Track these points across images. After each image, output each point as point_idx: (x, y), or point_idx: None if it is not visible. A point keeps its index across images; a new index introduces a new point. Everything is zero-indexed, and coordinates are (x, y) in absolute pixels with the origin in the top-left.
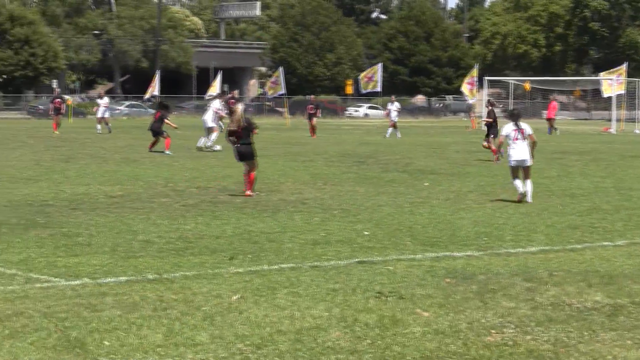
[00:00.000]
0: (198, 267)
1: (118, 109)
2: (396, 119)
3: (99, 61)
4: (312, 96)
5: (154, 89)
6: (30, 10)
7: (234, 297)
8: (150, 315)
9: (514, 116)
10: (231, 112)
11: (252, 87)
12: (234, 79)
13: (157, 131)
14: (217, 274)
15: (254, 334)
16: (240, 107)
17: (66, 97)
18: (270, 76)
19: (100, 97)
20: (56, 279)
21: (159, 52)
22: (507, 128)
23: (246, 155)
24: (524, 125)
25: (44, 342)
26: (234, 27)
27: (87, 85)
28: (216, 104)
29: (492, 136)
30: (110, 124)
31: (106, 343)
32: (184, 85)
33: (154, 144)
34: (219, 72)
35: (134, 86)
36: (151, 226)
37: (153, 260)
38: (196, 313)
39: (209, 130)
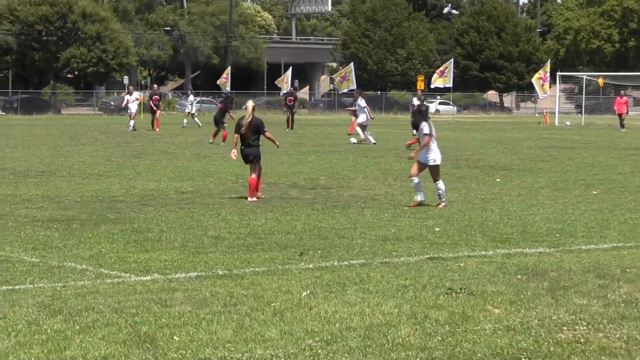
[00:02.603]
0: (268, 262)
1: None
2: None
3: (169, 57)
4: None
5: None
6: (102, 7)
7: (304, 293)
8: (220, 310)
9: (424, 113)
10: (289, 108)
11: (323, 83)
12: (304, 74)
13: (217, 121)
14: (287, 269)
15: (323, 330)
16: (250, 104)
17: (138, 93)
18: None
19: (130, 93)
20: (127, 275)
21: (230, 48)
22: (429, 127)
23: (252, 157)
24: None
25: (114, 337)
26: (305, 23)
27: (158, 81)
28: None
29: None
30: (133, 122)
31: (176, 338)
32: (254, 81)
33: (215, 134)
34: (289, 69)
35: (205, 82)
36: (221, 222)
37: (223, 256)
38: (266, 309)
39: None
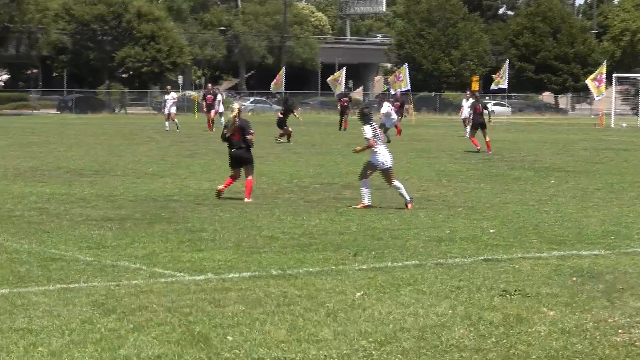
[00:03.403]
0: (322, 263)
1: (243, 105)
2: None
3: (224, 57)
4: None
5: (280, 84)
6: (157, 7)
7: (358, 294)
8: (274, 311)
9: (367, 116)
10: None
11: (377, 84)
12: (359, 75)
13: (280, 127)
14: (341, 270)
15: (377, 331)
16: (236, 105)
17: (192, 92)
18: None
19: (167, 92)
20: (180, 274)
21: (284, 48)
22: (371, 130)
23: (242, 160)
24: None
25: (167, 337)
26: (359, 23)
27: (213, 81)
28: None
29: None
30: (177, 120)
31: (229, 338)
32: (308, 81)
33: (282, 135)
34: (342, 69)
35: (259, 82)
36: (275, 222)
37: (277, 256)
38: (319, 309)
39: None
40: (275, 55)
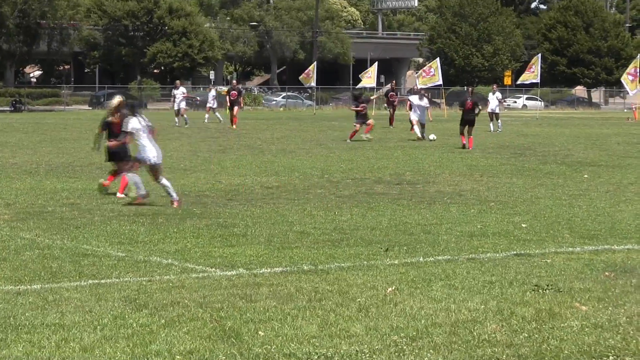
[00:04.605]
0: (353, 258)
1: (274, 100)
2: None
3: (255, 52)
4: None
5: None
6: (187, 2)
7: (389, 289)
8: (305, 306)
9: (134, 108)
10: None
11: (410, 78)
12: (390, 70)
13: (363, 121)
14: (373, 265)
15: (408, 326)
16: (117, 99)
17: (222, 88)
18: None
19: (176, 87)
20: (212, 269)
21: (316, 43)
22: (135, 123)
23: (117, 154)
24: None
25: (199, 332)
26: (391, 18)
27: (244, 76)
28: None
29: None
30: (187, 116)
31: (261, 333)
32: (341, 76)
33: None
34: (374, 63)
35: (291, 77)
36: (307, 217)
37: (308, 251)
38: (351, 304)
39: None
40: (307, 51)
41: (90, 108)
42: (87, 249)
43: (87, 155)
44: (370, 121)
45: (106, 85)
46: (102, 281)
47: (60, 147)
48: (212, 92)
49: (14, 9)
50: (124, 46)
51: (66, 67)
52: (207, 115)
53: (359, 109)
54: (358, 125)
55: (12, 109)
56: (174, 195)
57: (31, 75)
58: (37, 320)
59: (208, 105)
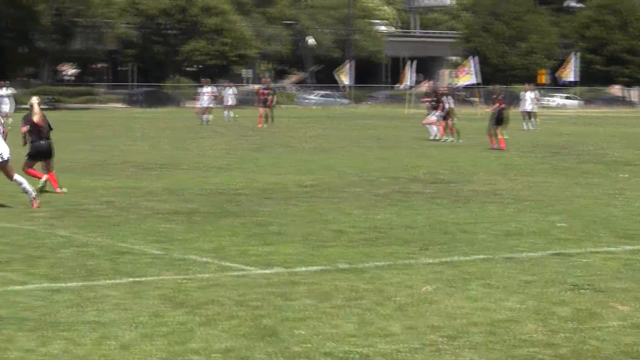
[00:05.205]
0: (390, 257)
1: (309, 99)
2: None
3: (290, 51)
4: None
5: (345, 78)
6: (222, 1)
7: (426, 288)
8: (342, 304)
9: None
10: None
11: (444, 77)
12: (425, 68)
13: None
14: (409, 264)
15: (446, 325)
16: (34, 100)
17: (256, 86)
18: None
19: (203, 86)
20: (249, 268)
21: (350, 41)
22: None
23: (48, 153)
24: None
25: (236, 330)
26: (425, 17)
27: (279, 74)
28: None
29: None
30: (211, 117)
31: (298, 332)
32: (375, 74)
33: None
34: (410, 62)
35: (327, 76)
36: (343, 216)
37: (345, 250)
38: (388, 303)
39: None
40: (342, 49)
41: (125, 106)
42: (124, 247)
43: (122, 153)
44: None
45: (141, 84)
46: (139, 279)
47: (96, 145)
48: (231, 90)
49: (50, 7)
50: (159, 44)
51: (102, 65)
52: (226, 113)
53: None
54: (443, 122)
55: (47, 106)
56: (32, 194)
57: (64, 73)
58: (75, 317)
59: (225, 102)
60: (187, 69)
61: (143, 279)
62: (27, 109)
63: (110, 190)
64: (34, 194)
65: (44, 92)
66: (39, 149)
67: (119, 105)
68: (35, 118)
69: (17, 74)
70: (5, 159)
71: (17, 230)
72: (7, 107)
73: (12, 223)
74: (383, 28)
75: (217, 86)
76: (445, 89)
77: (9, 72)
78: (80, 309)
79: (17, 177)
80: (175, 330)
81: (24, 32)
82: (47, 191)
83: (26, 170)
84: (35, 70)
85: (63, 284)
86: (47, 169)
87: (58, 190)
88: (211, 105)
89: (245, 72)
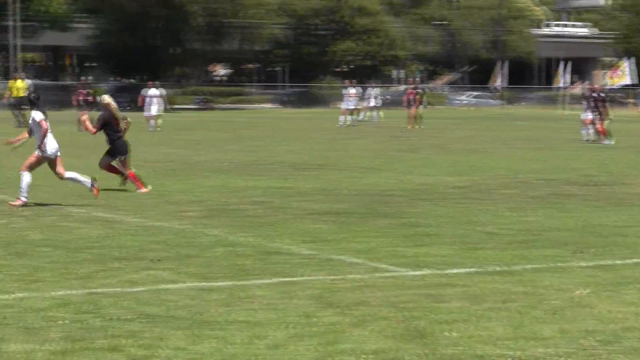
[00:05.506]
0: (542, 259)
1: (460, 99)
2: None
3: (443, 51)
4: None
5: (496, 79)
6: (372, 1)
7: (580, 292)
8: (494, 307)
9: (34, 102)
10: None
11: (598, 78)
12: (579, 69)
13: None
14: (562, 267)
15: (600, 329)
16: (109, 97)
17: (404, 87)
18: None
19: (347, 86)
20: (400, 269)
21: (500, 42)
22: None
23: (126, 150)
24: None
25: (388, 331)
26: (577, 17)
27: (430, 75)
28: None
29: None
30: (352, 117)
31: (448, 334)
32: (529, 75)
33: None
34: (563, 63)
35: (480, 77)
36: (495, 217)
37: (497, 252)
38: (541, 306)
39: None
40: (490, 51)
41: (278, 106)
42: (274, 247)
43: (273, 153)
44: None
45: (292, 84)
46: (290, 279)
47: (247, 145)
48: (373, 91)
49: (201, 8)
50: (310, 45)
51: (254, 65)
52: (372, 114)
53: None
54: (599, 124)
55: (199, 106)
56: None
57: (215, 73)
58: (226, 317)
59: (366, 104)
60: (337, 69)
61: (293, 279)
62: (179, 109)
63: (261, 190)
64: (89, 181)
65: (195, 93)
66: (119, 147)
67: (269, 105)
68: (114, 115)
69: (168, 75)
70: (51, 154)
71: (168, 229)
72: (155, 107)
73: (163, 222)
74: (536, 29)
75: (362, 87)
76: (599, 89)
77: (161, 73)
78: (231, 308)
79: (68, 174)
80: (326, 330)
81: (176, 32)
82: (125, 190)
83: (106, 168)
84: (186, 71)
85: (214, 283)
86: (125, 167)
87: (143, 189)
88: (359, 107)
89: (396, 73)
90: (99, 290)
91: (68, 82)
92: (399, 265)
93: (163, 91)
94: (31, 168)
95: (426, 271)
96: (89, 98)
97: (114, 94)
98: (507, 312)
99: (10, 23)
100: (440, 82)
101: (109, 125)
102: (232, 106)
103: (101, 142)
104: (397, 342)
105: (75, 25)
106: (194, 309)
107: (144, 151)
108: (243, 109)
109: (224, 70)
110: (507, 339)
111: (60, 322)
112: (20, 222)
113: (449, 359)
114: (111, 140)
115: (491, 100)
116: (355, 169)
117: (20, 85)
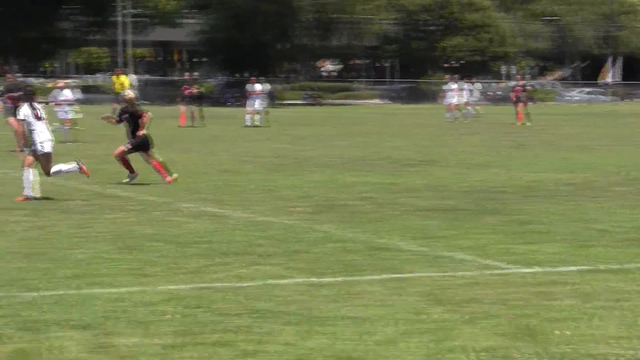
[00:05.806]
0: None
1: (570, 96)
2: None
3: (553, 47)
4: None
5: (606, 75)
6: None
7: None
8: (606, 306)
9: (29, 95)
10: None
11: None
12: None
13: None
14: None
15: None
16: (132, 93)
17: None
18: None
19: (448, 82)
20: (510, 266)
21: (611, 38)
22: (26, 110)
23: (148, 144)
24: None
25: (494, 329)
26: None
27: (540, 71)
28: None
29: None
30: (465, 110)
31: (560, 332)
32: None
33: None
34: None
35: (592, 73)
36: (607, 215)
37: (609, 250)
38: None
39: None
40: (601, 46)
41: (386, 102)
42: (383, 243)
43: (381, 149)
44: None
45: (400, 80)
46: (400, 275)
47: (354, 140)
48: (471, 86)
49: (310, 3)
50: (418, 40)
51: (362, 61)
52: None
53: None
54: None
55: (307, 102)
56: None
57: (323, 69)
58: (335, 312)
59: (465, 99)
60: (446, 65)
61: (403, 275)
62: (288, 104)
63: (369, 186)
64: (75, 164)
65: (303, 88)
66: (142, 141)
67: (378, 101)
68: (137, 110)
69: (277, 70)
70: (45, 151)
71: (276, 224)
72: (259, 102)
73: (271, 217)
74: None
75: (465, 82)
76: None
77: (270, 68)
78: (340, 304)
79: (52, 169)
80: (436, 327)
81: (285, 28)
82: (141, 183)
83: (121, 158)
84: (295, 67)
85: (323, 279)
86: (151, 159)
87: (168, 178)
88: (461, 102)
89: (506, 69)
90: (208, 285)
91: (177, 78)
92: (510, 263)
93: (267, 86)
94: (31, 165)
95: (537, 269)
96: (194, 92)
97: (222, 89)
98: (620, 311)
99: (120, 19)
100: (550, 79)
101: (133, 119)
102: (340, 102)
103: (207, 137)
104: (508, 340)
105: (185, 21)
106: (304, 304)
107: (251, 147)
108: (351, 104)
109: (333, 66)
110: (620, 338)
111: (170, 316)
112: (130, 217)
113: (560, 358)
114: (134, 135)
115: (602, 97)
116: (465, 165)
117: (124, 81)
